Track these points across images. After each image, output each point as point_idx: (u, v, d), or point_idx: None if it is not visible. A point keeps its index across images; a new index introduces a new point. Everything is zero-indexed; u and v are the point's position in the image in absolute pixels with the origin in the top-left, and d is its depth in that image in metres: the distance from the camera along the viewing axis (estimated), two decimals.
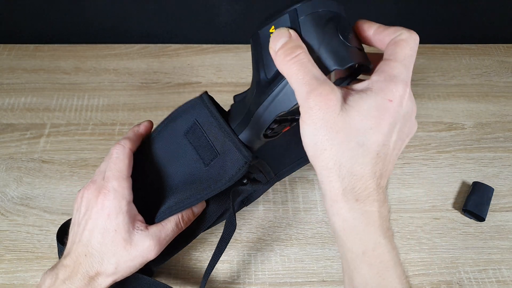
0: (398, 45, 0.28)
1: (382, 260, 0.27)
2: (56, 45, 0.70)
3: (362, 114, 0.26)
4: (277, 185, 0.53)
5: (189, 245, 0.47)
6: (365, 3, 0.69)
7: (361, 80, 0.29)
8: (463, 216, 0.52)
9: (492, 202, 0.52)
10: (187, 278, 0.45)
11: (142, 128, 0.41)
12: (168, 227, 0.38)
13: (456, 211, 0.52)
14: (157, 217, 0.38)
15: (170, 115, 0.39)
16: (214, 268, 0.46)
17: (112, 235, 0.35)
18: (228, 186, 0.36)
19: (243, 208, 0.48)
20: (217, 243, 0.40)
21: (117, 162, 0.37)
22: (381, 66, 0.27)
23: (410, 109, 0.27)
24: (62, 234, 0.42)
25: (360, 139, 0.26)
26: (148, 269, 0.43)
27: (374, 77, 0.27)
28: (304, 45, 0.27)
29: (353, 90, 0.27)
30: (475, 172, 0.56)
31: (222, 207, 0.42)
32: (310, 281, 0.45)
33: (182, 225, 0.39)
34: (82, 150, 0.56)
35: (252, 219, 0.50)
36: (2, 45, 0.69)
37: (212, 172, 0.37)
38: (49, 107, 0.61)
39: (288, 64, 0.27)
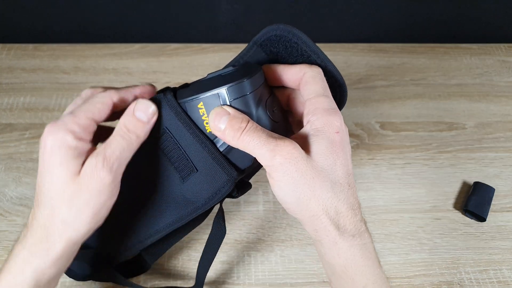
0: (310, 83, 0.30)
1: None
2: (55, 44, 0.69)
3: (323, 154, 0.27)
4: None
5: (188, 246, 0.47)
6: (365, 3, 0.69)
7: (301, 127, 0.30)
8: (464, 216, 0.51)
9: (493, 202, 0.52)
10: (186, 279, 0.45)
11: (137, 91, 0.33)
12: (114, 142, 0.29)
13: (457, 211, 0.52)
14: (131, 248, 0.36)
15: None
16: (214, 269, 0.46)
17: (57, 171, 0.29)
18: (209, 207, 0.33)
19: (243, 209, 0.47)
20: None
21: (87, 103, 0.29)
22: (309, 105, 0.29)
23: (347, 134, 0.30)
24: None
25: (332, 177, 0.27)
26: (143, 263, 0.42)
27: (311, 118, 0.29)
28: (245, 115, 0.29)
29: (303, 136, 0.29)
30: (476, 172, 0.56)
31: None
32: (310, 282, 0.45)
33: (129, 135, 0.30)
34: None
35: (252, 219, 0.50)
36: (1, 44, 0.69)
37: (190, 189, 0.33)
38: (48, 107, 0.60)
39: (241, 139, 0.28)
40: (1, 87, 0.63)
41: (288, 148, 0.27)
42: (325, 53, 0.33)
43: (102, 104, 0.30)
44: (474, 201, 0.51)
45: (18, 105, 0.61)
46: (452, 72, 0.69)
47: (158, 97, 0.33)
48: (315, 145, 0.28)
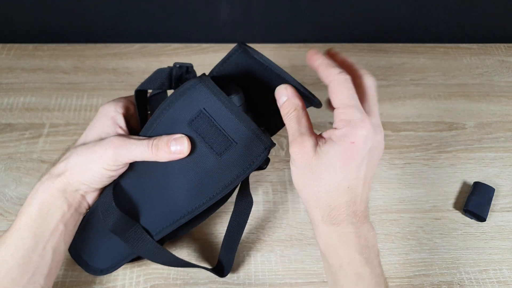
0: (335, 93, 0.32)
1: (357, 272, 0.32)
2: (55, 44, 0.69)
3: (331, 157, 0.32)
4: (277, 185, 0.53)
5: (188, 246, 0.47)
6: (365, 4, 0.69)
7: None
8: (464, 216, 0.51)
9: (493, 202, 0.52)
10: (187, 279, 0.45)
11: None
12: (137, 147, 0.36)
13: (457, 211, 0.52)
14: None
15: (166, 102, 0.36)
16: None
17: (90, 132, 0.38)
18: (246, 176, 0.36)
19: None
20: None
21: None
22: (336, 115, 0.32)
23: (376, 141, 0.32)
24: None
25: (331, 177, 0.32)
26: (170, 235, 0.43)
27: (336, 125, 0.32)
28: (298, 101, 0.34)
29: (323, 138, 0.33)
30: (476, 172, 0.56)
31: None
32: (310, 282, 0.45)
33: (152, 150, 0.36)
34: None
35: (252, 219, 0.50)
36: (1, 44, 0.69)
37: (227, 161, 0.35)
38: (48, 106, 0.60)
39: (289, 117, 0.34)
40: (1, 87, 0.63)
41: (300, 144, 0.32)
42: None
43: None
44: (474, 201, 0.51)
45: (18, 105, 0.61)
46: (452, 72, 0.69)
47: (194, 80, 0.35)
48: (328, 148, 0.32)
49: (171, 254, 0.39)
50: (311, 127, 0.34)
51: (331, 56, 0.36)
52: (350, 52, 0.71)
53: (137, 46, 0.69)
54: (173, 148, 0.35)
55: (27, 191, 0.51)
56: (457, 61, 0.71)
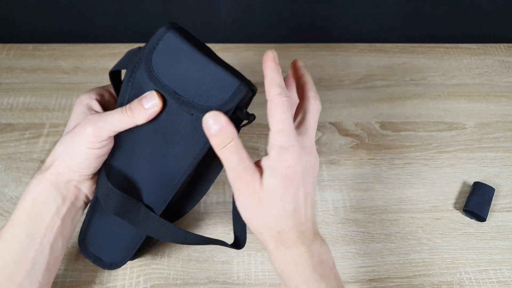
0: (270, 114, 0.32)
1: None
2: (55, 44, 0.69)
3: (274, 185, 0.32)
4: None
5: (188, 245, 0.47)
6: (365, 3, 0.69)
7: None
8: (464, 216, 0.51)
9: (493, 202, 0.52)
10: (186, 279, 0.45)
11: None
12: (113, 116, 0.35)
13: (457, 211, 0.52)
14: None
15: (129, 68, 0.36)
16: (214, 269, 0.46)
17: (70, 122, 0.38)
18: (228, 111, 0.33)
19: None
20: None
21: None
22: (270, 138, 0.32)
23: (307, 161, 0.33)
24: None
25: (277, 204, 0.32)
26: (178, 209, 0.44)
27: (269, 152, 0.32)
28: (233, 130, 0.31)
29: (262, 167, 0.33)
30: (476, 172, 0.56)
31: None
32: None
33: (128, 114, 0.35)
34: None
35: None
36: (1, 44, 0.69)
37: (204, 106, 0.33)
38: (48, 106, 0.60)
39: (220, 151, 0.32)
40: (1, 87, 0.63)
41: (247, 177, 0.32)
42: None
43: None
44: (474, 201, 0.51)
45: (18, 105, 0.61)
46: (452, 72, 0.69)
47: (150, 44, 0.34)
48: (268, 179, 0.32)
49: (180, 229, 0.39)
50: (249, 157, 0.33)
51: (293, 68, 0.37)
52: (350, 52, 0.71)
53: (137, 46, 0.69)
54: (146, 105, 0.34)
55: None
56: (457, 61, 0.71)
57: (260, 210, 0.33)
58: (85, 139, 0.35)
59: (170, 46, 0.33)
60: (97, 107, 0.38)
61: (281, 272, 0.34)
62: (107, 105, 0.40)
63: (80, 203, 0.39)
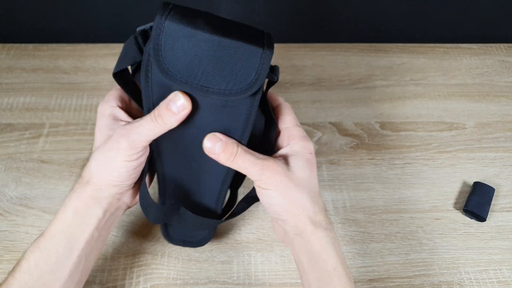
0: (285, 114, 0.38)
1: (347, 273, 0.35)
2: (55, 44, 0.69)
3: (301, 169, 0.35)
4: None
5: None
6: (365, 3, 0.69)
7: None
8: (464, 216, 0.51)
9: (493, 202, 0.52)
10: (186, 279, 0.45)
11: None
12: (144, 126, 0.34)
13: (457, 211, 0.52)
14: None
15: (142, 71, 0.34)
16: (214, 269, 0.46)
17: (98, 135, 0.37)
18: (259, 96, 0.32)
19: None
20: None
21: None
22: (287, 132, 0.37)
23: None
24: None
25: (308, 186, 0.35)
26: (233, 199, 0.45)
27: (291, 142, 0.37)
28: (234, 140, 0.34)
29: (284, 156, 0.36)
30: (476, 172, 0.56)
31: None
32: None
33: (158, 122, 0.33)
34: (81, 150, 0.55)
35: (252, 219, 0.50)
36: (1, 44, 0.69)
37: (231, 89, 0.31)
38: (48, 106, 0.60)
39: (234, 161, 0.34)
40: (1, 87, 0.63)
41: (273, 166, 0.34)
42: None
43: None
44: (474, 201, 0.51)
45: (18, 105, 0.61)
46: (452, 72, 0.69)
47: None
48: (295, 162, 0.35)
49: (213, 219, 0.41)
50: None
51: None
52: (350, 52, 0.71)
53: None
54: (173, 108, 0.32)
55: (27, 191, 0.51)
56: (457, 61, 0.71)
57: (293, 193, 0.34)
58: (121, 154, 0.34)
59: (174, 36, 0.30)
60: (122, 115, 0.37)
61: (320, 252, 0.34)
62: (129, 109, 0.39)
63: (121, 212, 0.39)
